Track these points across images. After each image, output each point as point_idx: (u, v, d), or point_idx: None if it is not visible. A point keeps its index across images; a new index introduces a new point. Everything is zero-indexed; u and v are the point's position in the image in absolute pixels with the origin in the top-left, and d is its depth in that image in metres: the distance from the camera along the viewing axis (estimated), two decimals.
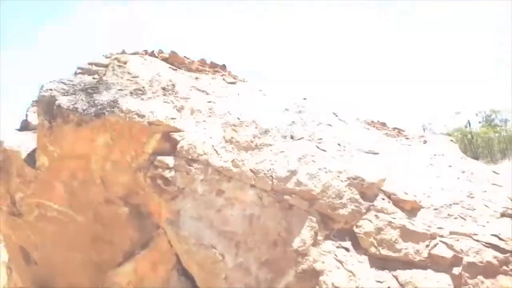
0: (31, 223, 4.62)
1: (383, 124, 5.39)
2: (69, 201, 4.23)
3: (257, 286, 3.34)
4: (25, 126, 5.20)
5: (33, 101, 5.58)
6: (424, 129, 13.52)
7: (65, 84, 4.27)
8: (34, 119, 5.24)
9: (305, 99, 4.75)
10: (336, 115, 4.75)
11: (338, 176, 3.86)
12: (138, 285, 3.82)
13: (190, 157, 3.79)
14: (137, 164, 3.92)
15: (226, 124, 4.11)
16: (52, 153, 4.16)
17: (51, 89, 4.19)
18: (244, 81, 5.04)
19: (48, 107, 4.11)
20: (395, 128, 5.42)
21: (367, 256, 3.45)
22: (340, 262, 3.40)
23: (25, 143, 4.78)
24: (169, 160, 3.75)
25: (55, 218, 4.36)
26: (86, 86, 4.24)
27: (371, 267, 3.38)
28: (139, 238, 3.97)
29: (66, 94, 4.18)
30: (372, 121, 5.39)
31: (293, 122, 4.33)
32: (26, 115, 5.33)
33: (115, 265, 4.07)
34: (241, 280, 3.36)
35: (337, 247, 3.51)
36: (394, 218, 3.64)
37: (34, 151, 4.53)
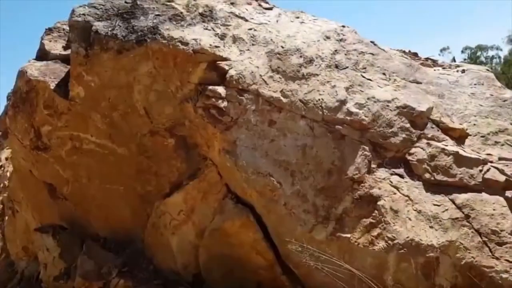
0: (61, 157, 4.54)
1: (415, 55, 5.30)
2: (108, 133, 4.13)
3: (315, 211, 3.40)
4: (42, 56, 4.93)
5: (46, 29, 5.26)
6: None
7: (97, 9, 4.02)
8: (52, 48, 4.97)
9: (343, 26, 4.58)
10: (375, 44, 4.63)
11: (387, 106, 3.83)
12: (189, 214, 3.84)
13: (240, 87, 3.69)
14: (182, 94, 3.80)
15: (271, 53, 3.96)
16: (88, 82, 3.99)
17: (84, 14, 3.94)
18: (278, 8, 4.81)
19: (83, 33, 3.89)
20: (427, 58, 5.34)
21: (422, 182, 3.51)
22: (396, 187, 3.46)
23: (50, 73, 4.57)
24: (221, 90, 3.64)
25: (92, 151, 4.29)
26: (120, 11, 4.00)
27: (426, 191, 3.46)
28: (186, 169, 3.94)
29: (100, 19, 3.94)
30: (404, 51, 5.30)
31: (336, 50, 4.19)
32: (43, 43, 5.03)
33: (161, 196, 4.07)
34: (300, 206, 3.41)
35: (391, 174, 3.55)
36: (446, 145, 3.67)
37: (63, 81, 4.34)
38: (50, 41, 5.04)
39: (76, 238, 4.70)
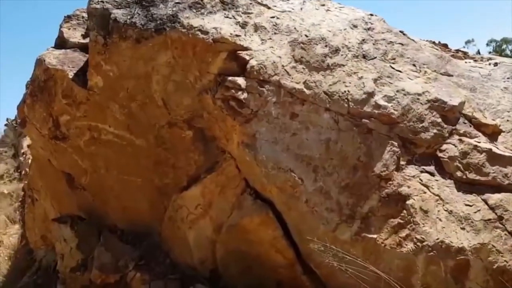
0: (80, 147, 4.47)
1: (445, 46, 5.05)
2: (126, 124, 4.03)
3: (339, 210, 3.24)
4: (61, 44, 4.85)
5: (65, 16, 5.18)
6: None
7: None
8: (71, 36, 4.89)
9: (371, 15, 4.36)
10: (404, 34, 4.40)
11: (418, 99, 3.62)
12: (207, 209, 3.72)
13: (261, 78, 3.52)
14: (201, 85, 3.67)
15: (294, 42, 3.78)
16: (107, 72, 3.89)
17: (102, 1, 3.82)
18: None
19: (101, 21, 3.78)
20: (458, 50, 5.09)
21: (453, 180, 3.32)
22: (426, 186, 3.27)
23: (68, 61, 4.49)
24: (241, 81, 3.48)
25: (110, 141, 4.20)
26: None
27: (458, 191, 3.26)
28: (204, 162, 3.82)
29: (119, 7, 3.82)
30: (433, 42, 5.05)
31: (363, 40, 3.99)
32: (61, 31, 4.95)
33: (178, 189, 3.97)
34: (322, 204, 3.25)
35: (421, 171, 3.36)
36: (478, 142, 3.46)
37: (82, 70, 4.26)
38: (69, 29, 4.96)
39: (94, 229, 4.66)
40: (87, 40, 4.66)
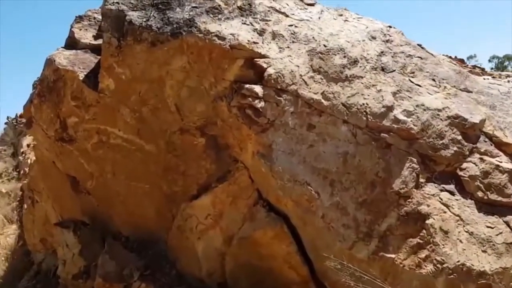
0: (87, 151, 4.37)
1: (462, 61, 4.98)
2: (136, 129, 3.93)
3: (356, 227, 3.14)
4: (72, 44, 4.76)
5: (77, 17, 5.10)
6: None
7: None
8: (82, 36, 4.80)
9: (390, 27, 4.28)
10: (423, 47, 4.32)
11: (438, 115, 3.53)
12: (217, 219, 3.61)
13: (279, 87, 3.43)
14: (216, 92, 3.57)
15: (312, 52, 3.69)
16: (119, 75, 3.80)
17: (117, 2, 3.73)
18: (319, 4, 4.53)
19: (116, 23, 3.69)
20: (474, 66, 5.01)
21: (474, 201, 3.22)
22: (446, 205, 3.17)
23: (79, 62, 4.39)
24: (258, 89, 3.39)
25: (119, 145, 4.10)
26: (155, 1, 3.78)
27: (479, 211, 3.16)
28: (215, 170, 3.71)
29: (135, 9, 3.73)
30: (450, 56, 4.97)
31: (382, 52, 3.90)
32: (72, 32, 4.86)
33: (187, 197, 3.86)
34: (339, 220, 3.14)
35: (441, 190, 3.26)
36: (500, 162, 3.37)
37: (93, 71, 4.16)
38: (80, 29, 4.87)
39: (97, 235, 4.55)
40: (98, 42, 4.58)
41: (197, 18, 3.65)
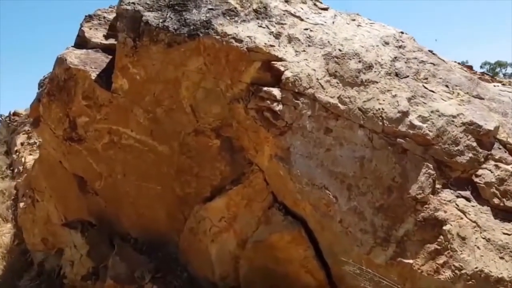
0: (97, 151, 4.34)
1: (471, 68, 5.02)
2: (149, 129, 3.91)
3: (374, 232, 3.14)
4: (82, 44, 4.72)
5: (86, 16, 5.06)
6: None
7: None
8: (92, 36, 4.76)
9: (402, 32, 4.30)
10: (434, 53, 4.34)
11: (453, 121, 3.55)
12: (231, 222, 3.60)
13: (296, 90, 3.43)
14: (232, 94, 3.56)
15: (328, 56, 3.69)
16: (134, 75, 3.77)
17: (133, 3, 3.71)
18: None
19: (132, 23, 3.66)
20: (483, 73, 5.06)
21: (490, 207, 3.24)
22: (463, 212, 3.18)
23: (90, 62, 4.36)
24: (276, 92, 3.38)
25: (131, 146, 4.07)
26: (172, 2, 3.76)
27: (495, 218, 3.18)
28: (230, 173, 3.70)
29: (151, 9, 3.70)
30: (459, 63, 5.01)
31: (395, 57, 3.92)
32: (82, 31, 4.82)
33: (201, 199, 3.84)
34: (357, 225, 3.14)
35: (457, 196, 3.28)
36: None
37: (105, 71, 4.13)
38: (90, 28, 4.83)
39: (105, 236, 4.51)
40: (109, 41, 4.56)
41: (214, 20, 3.63)
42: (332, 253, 3.17)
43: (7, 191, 9.81)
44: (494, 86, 4.50)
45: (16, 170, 10.35)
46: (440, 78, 3.94)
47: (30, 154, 9.84)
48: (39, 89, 5.40)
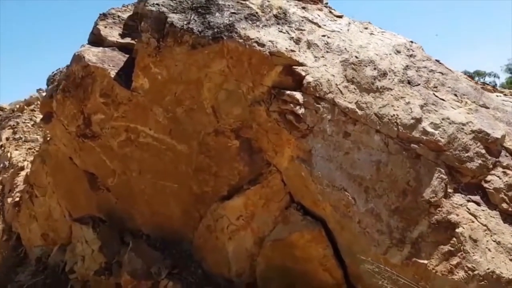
0: (111, 148, 4.39)
1: (472, 78, 5.22)
2: (169, 128, 3.98)
3: (390, 233, 3.28)
4: (97, 42, 4.76)
5: (101, 14, 5.10)
6: None
7: (171, 0, 3.84)
8: (108, 34, 4.81)
9: (411, 42, 4.47)
10: (441, 63, 4.52)
11: (462, 129, 3.72)
12: (249, 221, 3.70)
13: (317, 95, 3.55)
14: (253, 96, 3.66)
15: (346, 62, 3.83)
16: (155, 75, 3.84)
17: (158, 4, 3.78)
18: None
19: (157, 24, 3.73)
20: (483, 83, 5.26)
21: (499, 212, 3.41)
22: (474, 215, 3.35)
23: (108, 60, 4.40)
24: (299, 96, 3.50)
25: (148, 144, 4.14)
26: (195, 5, 3.84)
27: (504, 222, 3.36)
28: (248, 173, 3.80)
29: (175, 11, 3.79)
30: (461, 73, 5.21)
31: (407, 66, 4.08)
32: (97, 29, 4.86)
33: (218, 198, 3.93)
34: (374, 226, 3.28)
35: (468, 200, 3.44)
36: None
37: (124, 70, 4.19)
38: (105, 27, 4.87)
39: (115, 232, 4.55)
40: (126, 40, 4.62)
41: (237, 24, 3.73)
42: (351, 253, 3.30)
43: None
44: (497, 96, 4.71)
45: (1, 165, 10.22)
46: (449, 87, 4.11)
47: (16, 149, 9.73)
48: (48, 85, 5.38)
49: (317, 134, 3.46)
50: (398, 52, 4.24)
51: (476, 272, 3.13)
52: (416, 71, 4.12)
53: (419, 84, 4.00)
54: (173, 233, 4.24)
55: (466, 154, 3.62)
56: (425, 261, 3.19)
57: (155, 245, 4.22)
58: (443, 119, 3.75)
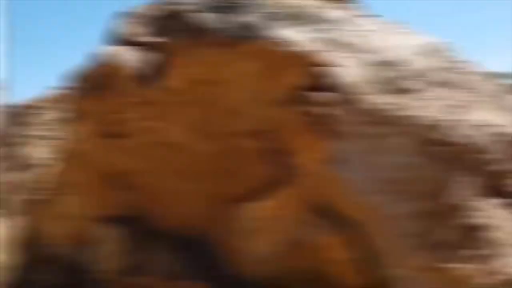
0: (136, 147, 4.40)
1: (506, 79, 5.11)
2: (194, 129, 3.98)
3: (418, 236, 3.21)
4: (122, 40, 4.77)
5: (125, 13, 5.10)
6: None
7: (204, 0, 3.85)
8: (133, 33, 4.81)
9: (441, 42, 4.39)
10: (469, 63, 4.43)
11: (495, 132, 3.64)
12: (273, 222, 3.67)
13: (347, 96, 3.51)
14: (279, 97, 3.64)
15: (373, 63, 3.78)
16: (181, 75, 3.85)
17: (186, 3, 3.79)
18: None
19: (186, 23, 3.73)
20: None
21: None
22: (504, 219, 3.27)
23: (135, 59, 4.40)
24: (327, 97, 3.46)
25: (173, 144, 4.14)
26: (221, 4, 3.84)
27: None
28: (271, 174, 3.78)
29: (203, 11, 3.78)
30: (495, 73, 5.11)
31: (437, 67, 4.01)
32: (122, 28, 4.88)
33: (240, 199, 3.91)
34: (403, 229, 3.22)
35: (497, 204, 3.36)
36: None
37: (152, 69, 4.19)
38: (131, 25, 4.89)
39: (139, 232, 4.56)
40: (153, 39, 4.62)
41: (263, 24, 3.72)
42: (377, 256, 3.25)
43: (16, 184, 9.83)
44: None
45: (24, 163, 10.38)
46: (480, 89, 4.02)
47: (39, 147, 9.88)
48: (73, 82, 5.43)
49: (345, 136, 3.42)
50: (427, 52, 4.17)
51: (508, 278, 3.04)
52: (447, 72, 4.04)
53: (450, 85, 3.93)
54: (196, 234, 4.23)
55: (498, 157, 3.53)
56: (456, 265, 3.11)
57: (179, 246, 4.22)
58: (467, 119, 3.67)
